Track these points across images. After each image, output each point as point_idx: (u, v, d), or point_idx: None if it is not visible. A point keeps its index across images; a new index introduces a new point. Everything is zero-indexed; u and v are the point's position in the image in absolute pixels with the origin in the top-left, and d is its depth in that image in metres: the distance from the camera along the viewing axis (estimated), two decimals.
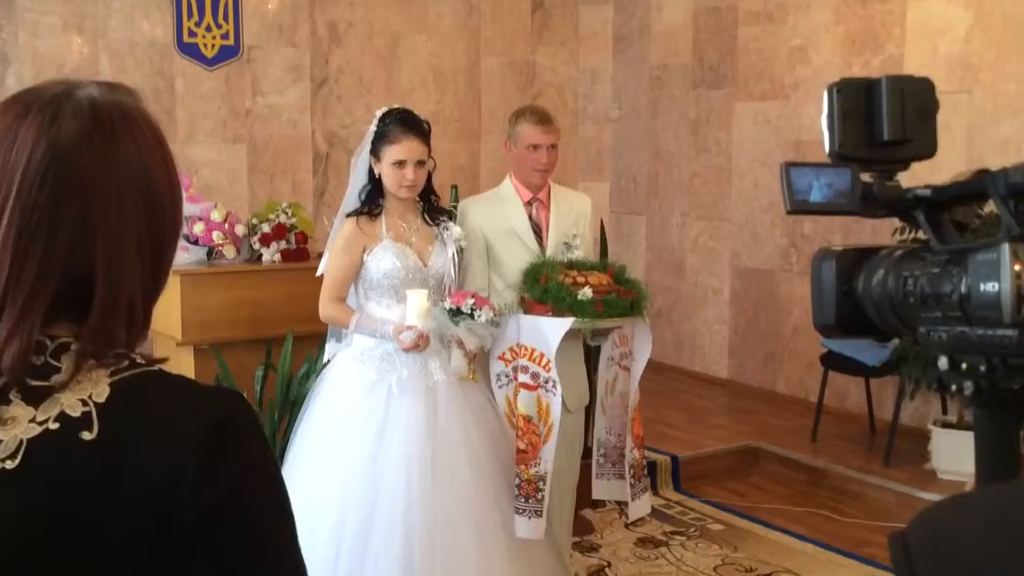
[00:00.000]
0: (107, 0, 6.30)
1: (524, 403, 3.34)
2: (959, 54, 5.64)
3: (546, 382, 3.34)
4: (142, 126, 1.12)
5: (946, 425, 5.16)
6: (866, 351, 5.47)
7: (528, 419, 3.34)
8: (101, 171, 1.07)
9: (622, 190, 7.97)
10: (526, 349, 3.36)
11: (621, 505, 4.67)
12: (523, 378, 3.36)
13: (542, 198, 3.66)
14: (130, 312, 1.09)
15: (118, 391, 1.06)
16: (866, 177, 1.11)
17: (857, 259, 1.11)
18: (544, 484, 3.30)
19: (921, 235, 1.12)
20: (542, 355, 3.33)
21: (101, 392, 1.06)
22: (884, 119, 1.10)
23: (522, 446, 3.33)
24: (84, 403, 1.05)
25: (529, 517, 3.26)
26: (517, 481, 3.30)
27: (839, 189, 1.05)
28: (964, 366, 1.03)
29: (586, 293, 3.31)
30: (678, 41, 7.39)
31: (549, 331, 3.31)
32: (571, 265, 3.50)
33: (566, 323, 3.29)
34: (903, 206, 1.12)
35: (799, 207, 1.04)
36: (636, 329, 3.55)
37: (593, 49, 8.03)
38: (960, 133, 5.54)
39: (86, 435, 1.03)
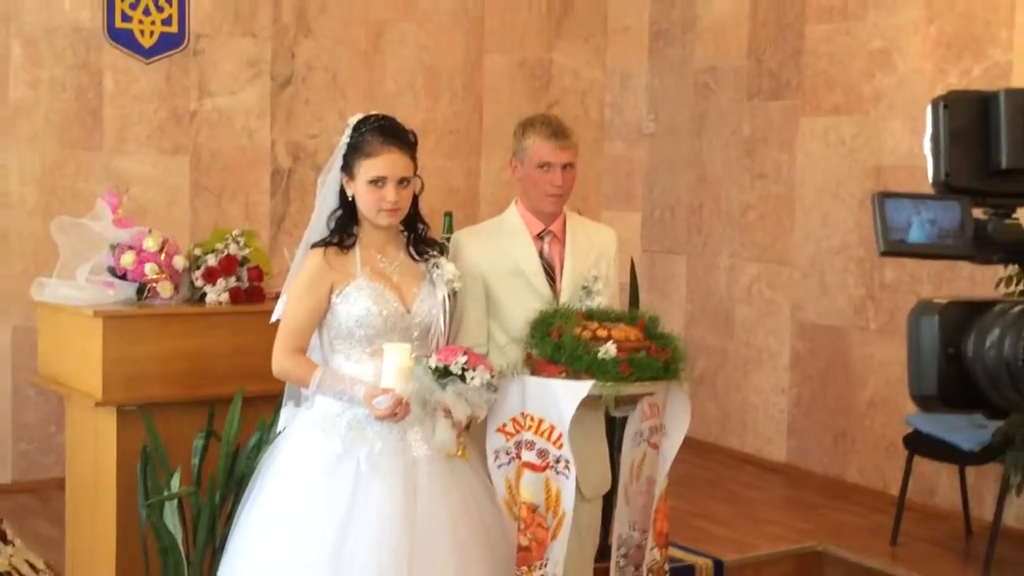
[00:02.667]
0: None
1: (529, 488, 3.34)
2: None
3: (557, 462, 3.33)
4: None
5: None
6: (961, 432, 5.44)
7: (533, 508, 3.33)
8: None
9: (657, 223, 7.97)
10: (533, 420, 3.35)
11: None
12: (528, 456, 3.35)
13: (556, 231, 3.67)
14: None
15: None
16: (978, 213, 1.10)
17: (966, 315, 1.10)
18: None
19: None
20: (552, 428, 3.32)
21: None
22: (1002, 143, 1.09)
23: (525, 542, 3.32)
24: None
25: None
26: None
27: (945, 227, 1.05)
28: None
29: (609, 350, 3.30)
30: (730, 39, 7.43)
31: (562, 398, 3.30)
32: (591, 315, 3.50)
33: (584, 388, 3.28)
34: None
35: (895, 247, 1.03)
36: (671, 397, 3.55)
37: (624, 47, 8.08)
38: None
39: None
